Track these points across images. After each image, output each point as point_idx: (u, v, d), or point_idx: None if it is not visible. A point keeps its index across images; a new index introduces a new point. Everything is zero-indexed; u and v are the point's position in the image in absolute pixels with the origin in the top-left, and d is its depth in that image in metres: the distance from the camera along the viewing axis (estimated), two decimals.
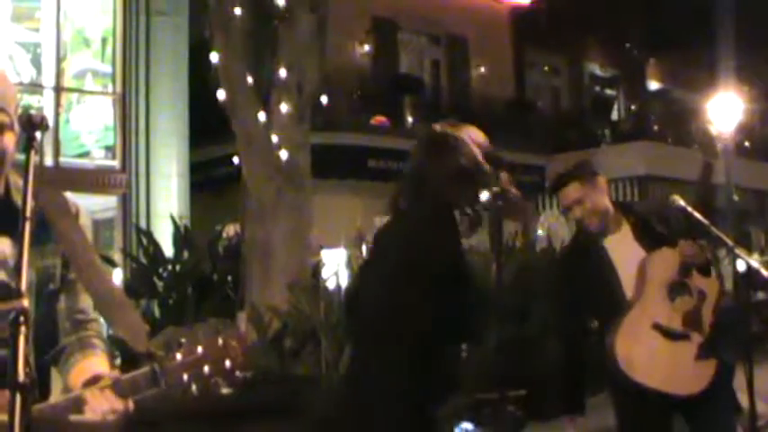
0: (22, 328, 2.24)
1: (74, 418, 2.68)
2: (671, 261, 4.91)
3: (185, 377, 2.62)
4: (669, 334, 4.91)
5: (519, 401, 9.01)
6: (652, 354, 4.93)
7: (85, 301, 3.00)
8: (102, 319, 3.03)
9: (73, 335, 2.97)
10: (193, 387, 2.63)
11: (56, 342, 2.96)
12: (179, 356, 2.63)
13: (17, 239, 2.54)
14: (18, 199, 2.82)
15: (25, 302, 2.27)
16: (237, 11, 11.52)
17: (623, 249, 5.05)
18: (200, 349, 2.63)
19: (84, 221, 3.03)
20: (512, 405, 8.76)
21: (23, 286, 2.31)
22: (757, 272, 4.62)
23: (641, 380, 4.90)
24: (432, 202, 3.83)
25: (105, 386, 2.68)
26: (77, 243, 2.88)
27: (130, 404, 2.70)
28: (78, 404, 2.67)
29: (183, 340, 2.65)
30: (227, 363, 2.62)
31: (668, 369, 4.90)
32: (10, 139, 2.87)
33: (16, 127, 2.85)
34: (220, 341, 2.64)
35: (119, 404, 2.66)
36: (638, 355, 4.95)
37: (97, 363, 2.90)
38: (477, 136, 3.95)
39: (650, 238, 5.03)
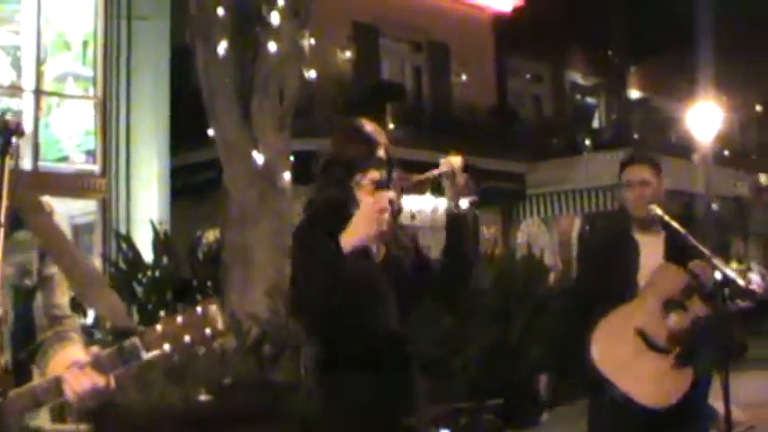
0: None
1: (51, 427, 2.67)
2: (679, 278, 4.93)
3: (167, 347, 2.58)
4: (650, 343, 4.93)
5: (496, 410, 9.03)
6: (627, 357, 4.95)
7: (62, 298, 2.99)
8: (77, 318, 3.02)
9: (49, 330, 2.94)
10: (175, 357, 2.60)
11: (34, 338, 2.94)
12: (159, 327, 2.59)
13: None
14: None
15: None
16: (219, 16, 11.52)
17: (652, 254, 5.08)
18: (179, 319, 2.59)
19: (59, 220, 3.03)
20: (489, 414, 8.78)
21: None
22: (734, 282, 4.65)
23: (611, 378, 4.92)
24: (317, 201, 3.84)
25: (85, 364, 2.64)
26: (52, 232, 2.90)
27: (112, 380, 2.66)
28: (58, 385, 2.65)
29: (161, 313, 2.65)
30: (208, 330, 2.57)
31: (639, 375, 4.91)
32: None
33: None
34: (199, 310, 2.60)
35: (100, 381, 2.63)
36: (613, 353, 4.98)
37: (75, 351, 2.86)
38: (358, 133, 3.86)
39: (677, 253, 5.05)
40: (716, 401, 5.13)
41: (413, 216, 22.51)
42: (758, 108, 35.75)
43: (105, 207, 16.17)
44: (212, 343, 2.59)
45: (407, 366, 3.77)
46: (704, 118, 24.05)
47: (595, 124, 31.80)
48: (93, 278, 2.90)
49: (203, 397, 8.83)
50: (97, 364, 2.63)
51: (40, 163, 15.70)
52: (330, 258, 3.53)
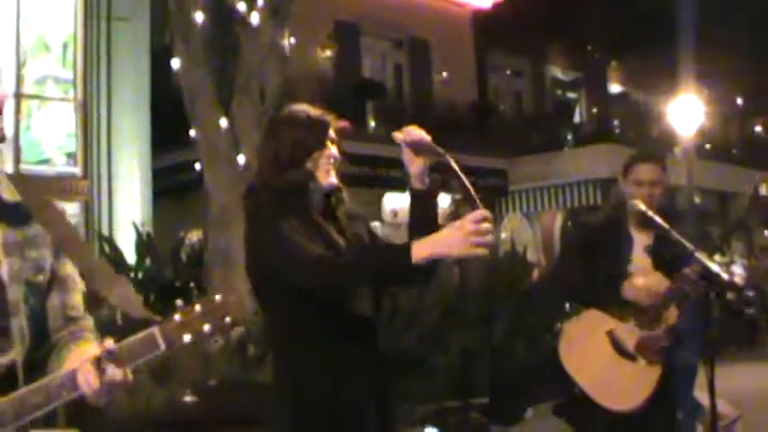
0: None
1: None
2: (660, 285, 4.92)
3: (185, 337, 2.54)
4: (618, 347, 4.93)
5: (483, 409, 9.06)
6: (593, 357, 4.95)
7: (77, 299, 2.91)
8: (91, 320, 2.96)
9: (64, 330, 2.86)
10: (193, 346, 2.57)
11: (47, 338, 2.85)
12: (177, 317, 2.55)
13: (4, 228, 2.67)
14: (5, 194, 2.84)
15: None
16: (198, 17, 11.49)
17: (644, 252, 5.07)
18: (198, 308, 2.56)
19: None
20: (476, 412, 8.81)
21: None
22: (717, 275, 4.65)
23: (573, 375, 4.93)
24: (262, 192, 3.71)
25: (101, 357, 2.57)
26: (62, 226, 2.87)
27: (129, 373, 2.59)
28: (73, 379, 2.57)
29: (178, 302, 2.63)
30: (228, 319, 2.55)
31: (602, 377, 4.91)
32: None
33: (4, 113, 2.83)
34: (218, 298, 2.57)
35: (117, 374, 2.56)
36: (579, 351, 4.98)
37: (91, 349, 2.73)
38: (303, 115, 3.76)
39: (661, 254, 5.05)
40: (703, 395, 5.14)
41: (395, 214, 22.53)
42: (739, 101, 35.89)
43: (87, 209, 16.10)
44: (231, 332, 2.63)
45: (381, 356, 3.70)
46: (685, 111, 24.11)
47: (576, 119, 31.86)
48: (106, 269, 2.89)
49: (189, 398, 8.81)
50: (113, 357, 2.56)
51: (21, 166, 15.61)
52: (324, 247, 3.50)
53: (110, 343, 2.61)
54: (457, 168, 3.43)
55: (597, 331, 4.99)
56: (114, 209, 15.97)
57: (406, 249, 3.26)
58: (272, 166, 3.68)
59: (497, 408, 9.77)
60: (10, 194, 2.85)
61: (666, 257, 5.05)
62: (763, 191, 4.98)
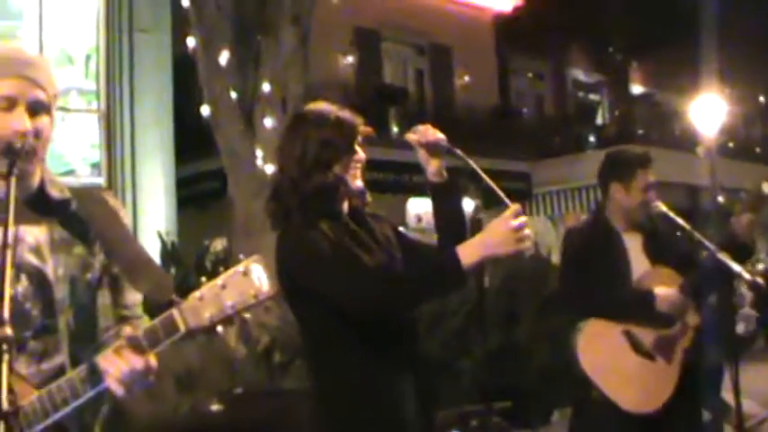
0: (5, 357, 2.19)
1: None
2: (673, 283, 4.90)
3: (207, 316, 2.37)
4: (636, 346, 4.89)
5: (505, 412, 9.04)
6: (610, 356, 4.91)
7: (132, 298, 2.80)
8: (147, 321, 2.85)
9: (113, 330, 2.74)
10: (219, 328, 2.39)
11: (93, 337, 2.73)
12: (197, 294, 2.39)
13: (51, 226, 2.61)
14: (54, 191, 2.75)
15: (8, 330, 2.21)
16: (220, 27, 11.54)
17: (637, 253, 5.06)
18: (219, 282, 2.37)
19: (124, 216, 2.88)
20: (498, 417, 8.79)
21: (6, 314, 2.24)
22: (739, 275, 4.64)
23: (592, 377, 4.88)
24: (290, 196, 3.53)
25: (121, 346, 2.45)
26: (114, 224, 2.77)
27: (152, 359, 2.46)
28: (96, 372, 2.47)
29: (203, 279, 2.51)
30: (252, 292, 2.34)
31: (620, 376, 4.86)
32: (46, 122, 2.71)
33: (54, 112, 2.74)
34: (241, 269, 2.36)
35: (139, 363, 2.43)
36: (596, 350, 4.94)
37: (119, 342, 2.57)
38: (325, 112, 3.62)
39: (657, 250, 5.03)
40: (729, 395, 5.11)
41: (419, 219, 22.53)
42: (762, 99, 35.73)
43: None
44: (259, 307, 2.36)
45: (421, 359, 3.61)
46: (708, 111, 24.00)
47: (599, 121, 31.80)
48: (142, 258, 2.67)
49: (215, 407, 8.83)
50: (134, 344, 2.44)
51: None
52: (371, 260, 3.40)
53: (128, 330, 2.54)
54: (476, 167, 3.41)
55: (614, 330, 4.95)
56: (139, 218, 16.04)
57: (454, 258, 3.18)
58: (297, 166, 3.52)
59: (522, 411, 9.75)
60: (58, 191, 2.77)
61: (662, 252, 5.04)
62: (766, 189, 4.96)
